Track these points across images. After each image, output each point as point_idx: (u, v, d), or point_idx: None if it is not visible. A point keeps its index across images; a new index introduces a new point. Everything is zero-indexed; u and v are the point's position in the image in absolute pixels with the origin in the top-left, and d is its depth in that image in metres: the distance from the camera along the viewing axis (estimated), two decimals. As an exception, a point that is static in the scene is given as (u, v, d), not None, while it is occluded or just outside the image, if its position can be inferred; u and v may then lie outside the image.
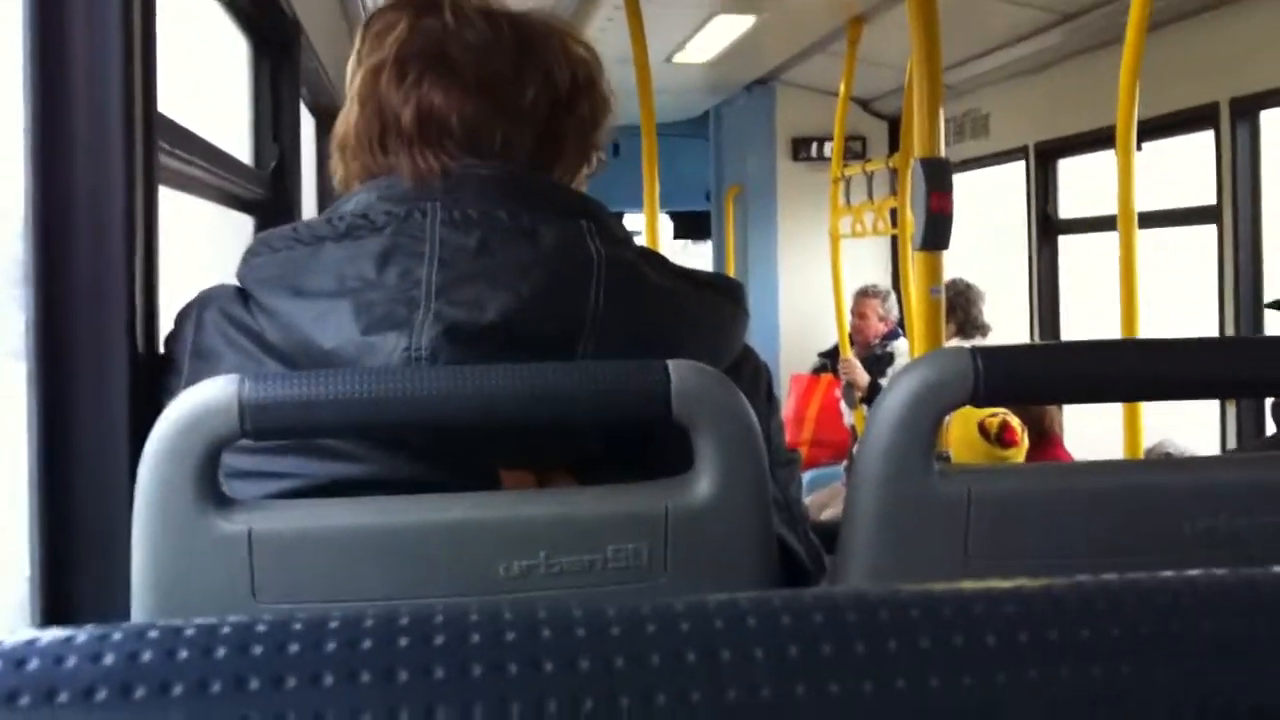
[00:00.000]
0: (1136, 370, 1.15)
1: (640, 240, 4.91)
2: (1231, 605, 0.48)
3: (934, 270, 3.18)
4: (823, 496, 4.66)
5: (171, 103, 1.62)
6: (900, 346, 5.86)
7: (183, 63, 2.05)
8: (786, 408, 6.21)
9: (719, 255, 8.61)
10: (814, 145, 7.61)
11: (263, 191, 2.57)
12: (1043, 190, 5.77)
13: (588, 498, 1.09)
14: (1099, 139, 4.65)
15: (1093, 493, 1.17)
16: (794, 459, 1.34)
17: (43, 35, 1.18)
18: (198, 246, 2.13)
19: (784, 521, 1.20)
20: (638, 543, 1.06)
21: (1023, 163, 5.91)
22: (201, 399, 1.00)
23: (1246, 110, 4.32)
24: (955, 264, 4.95)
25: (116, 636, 0.42)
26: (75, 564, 1.17)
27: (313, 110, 3.30)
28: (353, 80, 1.25)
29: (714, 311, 1.24)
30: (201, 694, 0.40)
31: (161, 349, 1.24)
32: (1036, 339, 5.71)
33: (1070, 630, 0.47)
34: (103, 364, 1.18)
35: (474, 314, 1.09)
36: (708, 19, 5.95)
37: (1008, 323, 5.71)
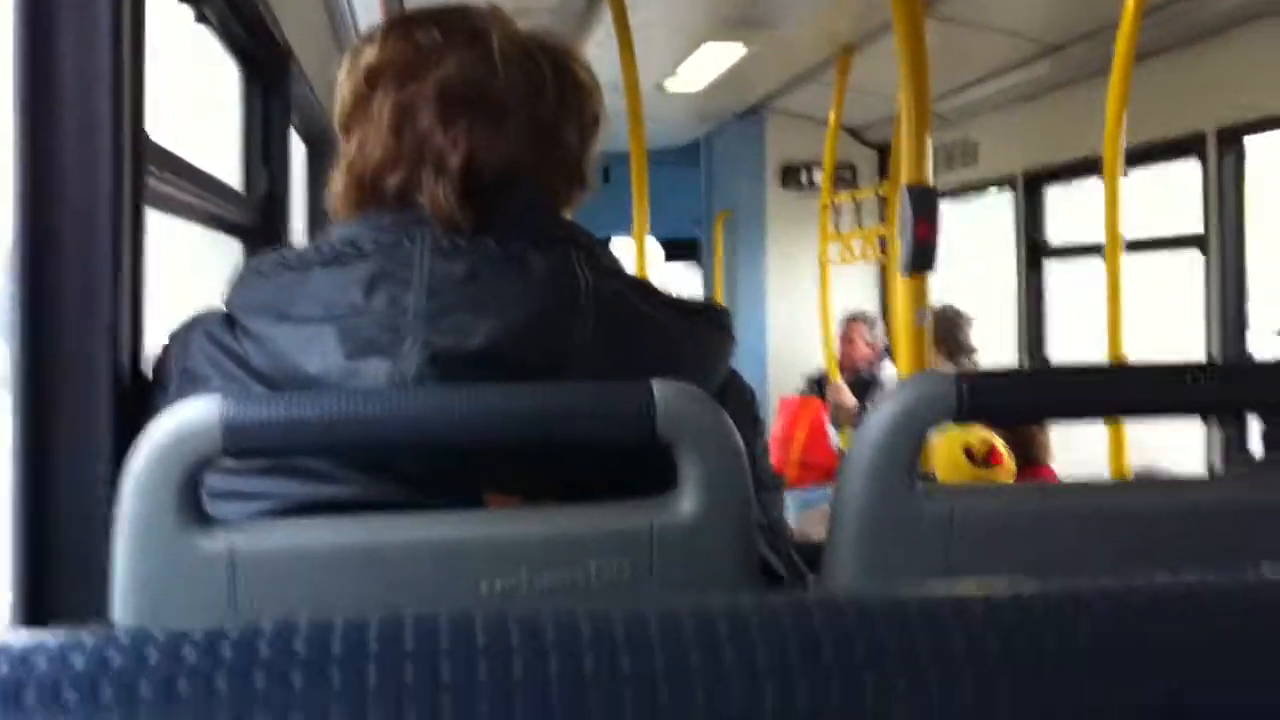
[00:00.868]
0: (1108, 391, 1.16)
1: (629, 265, 4.93)
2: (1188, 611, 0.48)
3: (919, 295, 3.21)
4: (812, 517, 4.65)
5: (164, 129, 1.63)
6: (888, 371, 5.87)
7: (175, 89, 2.06)
8: (774, 429, 6.21)
9: (708, 280, 8.64)
10: (804, 172, 7.64)
11: (252, 217, 2.58)
12: (1030, 217, 5.81)
13: (571, 515, 1.10)
14: (1086, 167, 4.68)
15: (1075, 513, 1.18)
16: (779, 483, 1.34)
17: (31, 58, 1.18)
18: (188, 271, 2.14)
19: (767, 544, 1.21)
20: (621, 560, 1.07)
21: (1010, 191, 5.94)
22: (184, 418, 1.01)
23: (1232, 139, 4.35)
24: (948, 290, 4.98)
25: (87, 640, 0.42)
26: (56, 583, 1.16)
27: (304, 137, 3.32)
28: (369, 99, 1.21)
29: (702, 339, 1.24)
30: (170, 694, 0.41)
31: (149, 372, 1.24)
32: (1023, 363, 5.73)
33: (1042, 636, 0.48)
34: (87, 386, 1.18)
35: (460, 341, 1.09)
36: (697, 45, 5.98)
37: (997, 348, 5.73)
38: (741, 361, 1.31)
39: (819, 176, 6.90)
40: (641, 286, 1.24)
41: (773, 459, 6.25)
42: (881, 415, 1.14)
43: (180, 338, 1.20)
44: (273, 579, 1.03)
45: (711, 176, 8.80)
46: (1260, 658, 0.48)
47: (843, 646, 0.46)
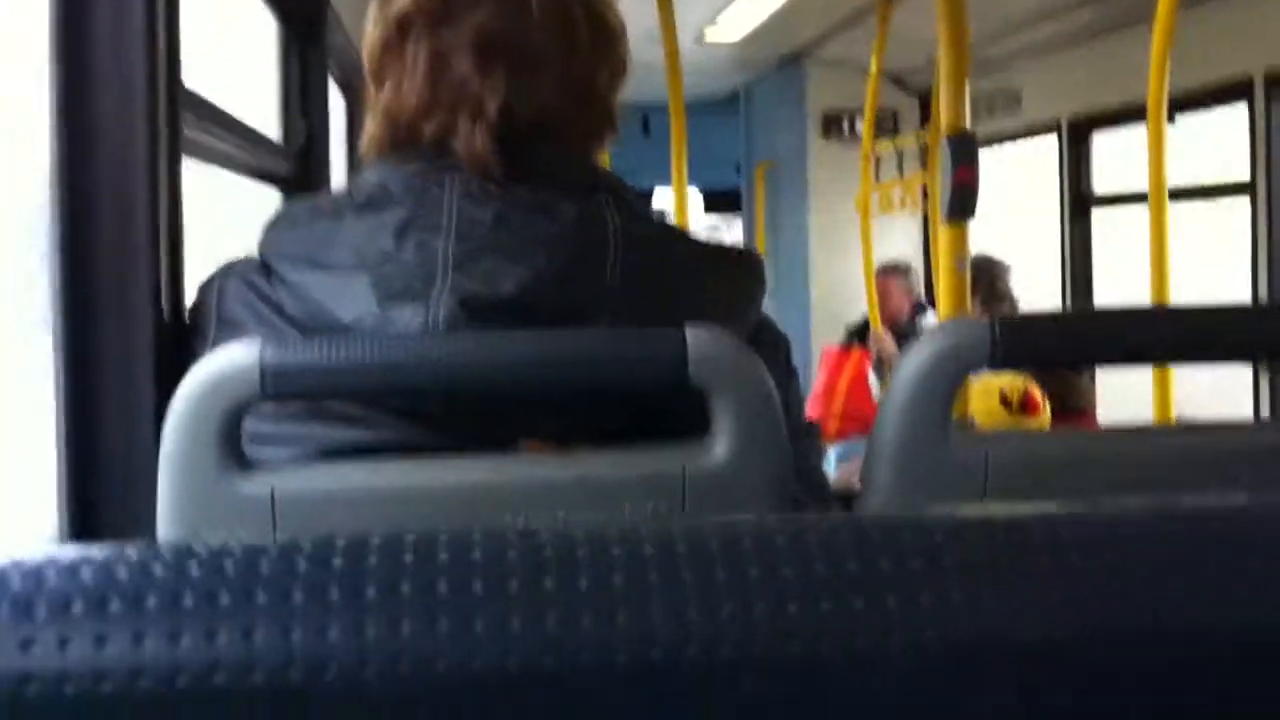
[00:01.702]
0: (1143, 333, 1.15)
1: (670, 216, 4.91)
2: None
3: (960, 243, 3.19)
4: (853, 466, 4.65)
5: (204, 81, 1.63)
6: (929, 321, 5.84)
7: (214, 40, 2.06)
8: (817, 381, 6.20)
9: (749, 231, 8.61)
10: (845, 121, 7.58)
11: (291, 167, 2.59)
12: (1075, 165, 5.74)
13: (605, 460, 1.10)
14: (1131, 113, 4.62)
15: (1112, 458, 1.17)
16: (815, 430, 1.34)
17: (67, 10, 1.19)
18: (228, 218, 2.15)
19: (805, 489, 1.21)
20: (655, 503, 1.07)
21: (1055, 137, 5.87)
22: (223, 362, 1.02)
23: (1281, 83, 4.28)
24: (990, 238, 4.93)
25: (130, 554, 0.44)
26: (101, 526, 1.19)
27: (341, 86, 3.32)
28: (401, 46, 1.20)
29: (731, 283, 1.24)
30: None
31: (186, 318, 1.26)
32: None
33: (1089, 555, 0.48)
34: (128, 334, 1.20)
35: (490, 287, 1.10)
36: (737, -6, 5.94)
37: (1041, 297, 5.68)
38: (785, 313, 1.32)
39: (861, 125, 6.83)
40: (671, 231, 1.24)
41: (816, 411, 6.25)
42: (916, 360, 1.14)
43: (216, 285, 1.21)
44: (312, 521, 1.04)
45: (752, 127, 8.74)
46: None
47: (868, 564, 0.46)
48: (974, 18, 3.45)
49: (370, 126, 1.24)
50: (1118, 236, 5.60)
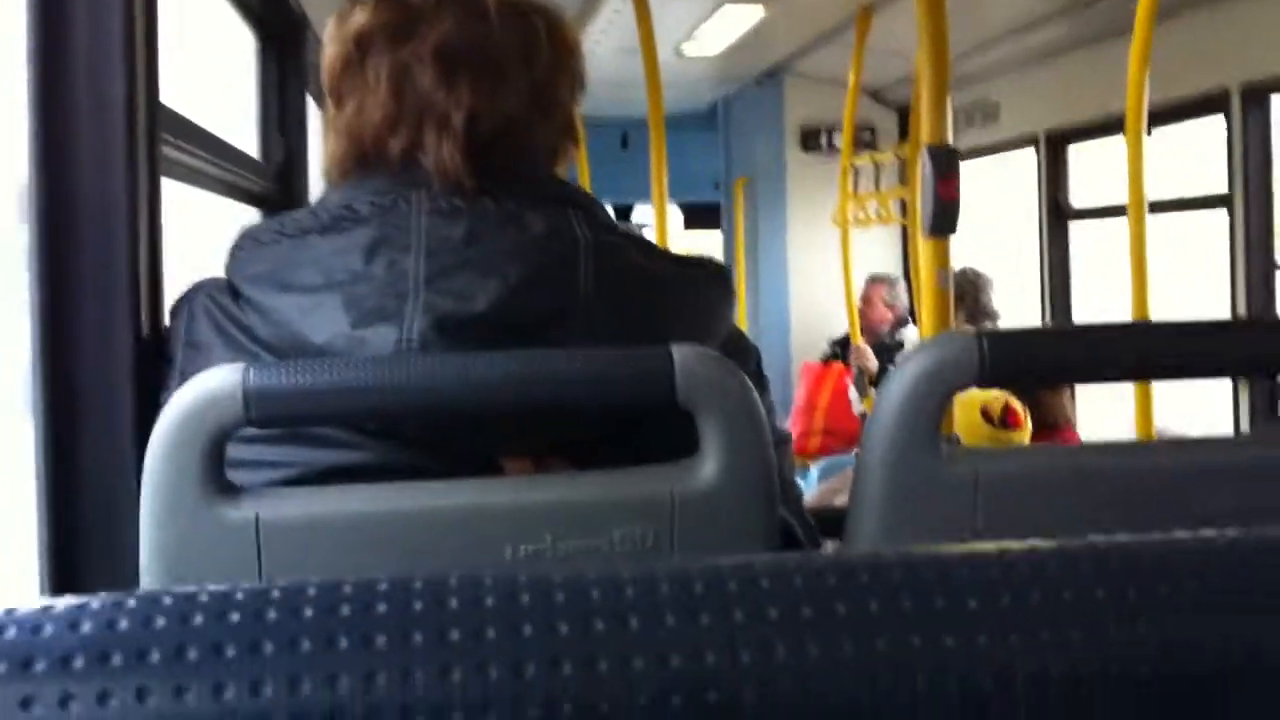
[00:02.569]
0: (1136, 350, 1.15)
1: (650, 232, 4.91)
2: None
3: (942, 257, 3.18)
4: (835, 482, 4.65)
5: (183, 98, 1.62)
6: (910, 334, 5.85)
7: (193, 57, 2.05)
8: (798, 396, 6.20)
9: (729, 246, 8.61)
10: (823, 135, 7.60)
11: (270, 185, 2.57)
12: (1053, 178, 5.76)
13: (593, 482, 1.09)
14: (1109, 126, 4.63)
15: (1102, 474, 1.17)
16: (786, 438, 1.34)
17: (45, 28, 1.18)
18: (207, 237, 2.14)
19: (780, 501, 1.20)
20: (644, 527, 1.06)
21: (1033, 150, 5.89)
22: (206, 387, 1.01)
23: (1257, 96, 4.30)
24: (970, 253, 4.95)
25: (130, 603, 0.42)
26: (82, 552, 1.17)
27: (319, 103, 3.31)
28: (361, 63, 1.19)
29: (701, 293, 1.25)
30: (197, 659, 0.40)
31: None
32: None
33: (1083, 590, 0.47)
34: (107, 353, 1.18)
35: (463, 304, 1.09)
36: (715, 9, 5.94)
37: (1020, 311, 5.70)
38: (765, 328, 1.31)
39: (839, 139, 6.85)
40: (639, 242, 1.24)
41: (797, 427, 6.22)
42: (903, 378, 1.13)
43: (184, 308, 1.19)
44: (298, 547, 1.03)
45: (730, 141, 8.75)
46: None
47: (856, 605, 0.45)
48: (951, 30, 3.45)
49: (332, 146, 1.23)
50: (1097, 247, 5.63)
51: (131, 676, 0.40)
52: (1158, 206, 3.86)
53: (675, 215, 8.88)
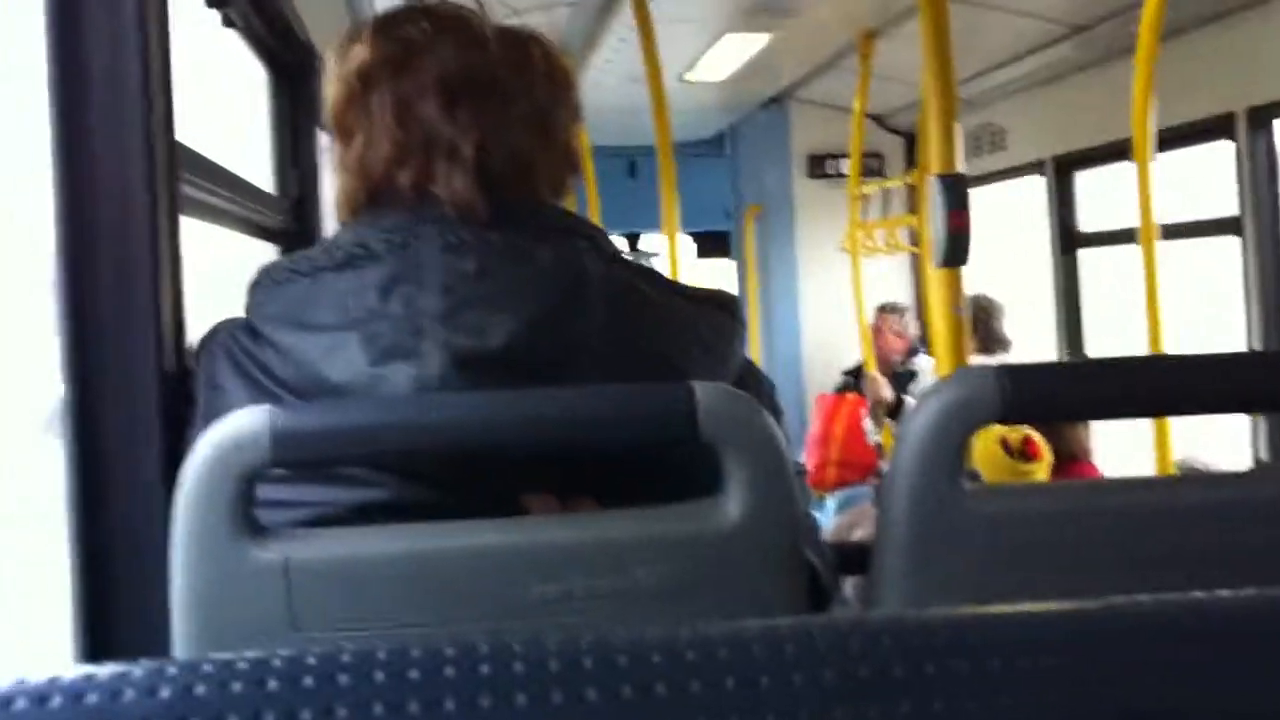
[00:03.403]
0: (1159, 385, 1.14)
1: (662, 262, 4.90)
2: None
3: (954, 287, 3.15)
4: (852, 516, 4.63)
5: (199, 135, 1.63)
6: (923, 363, 5.82)
7: (209, 95, 2.06)
8: (813, 428, 6.17)
9: (741, 274, 8.61)
10: (830, 162, 7.60)
11: (285, 220, 2.58)
12: (1063, 204, 5.75)
13: (617, 521, 1.09)
14: (1116, 151, 4.63)
15: (1124, 511, 1.17)
16: (800, 471, 1.34)
17: (62, 71, 1.19)
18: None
19: (810, 545, 1.20)
20: (669, 566, 1.06)
21: (1042, 177, 5.88)
22: (234, 430, 1.01)
23: (1263, 119, 4.30)
24: (980, 279, 4.93)
25: (171, 671, 0.42)
26: (114, 594, 1.17)
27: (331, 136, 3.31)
28: (365, 98, 1.20)
29: (712, 325, 1.25)
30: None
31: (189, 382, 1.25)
32: (1061, 354, 5.68)
33: (1108, 656, 0.47)
34: (132, 394, 1.19)
35: (479, 340, 1.09)
36: (718, 37, 5.96)
37: (1032, 338, 5.68)
38: (777, 359, 1.32)
39: (846, 166, 6.85)
40: (648, 274, 1.25)
41: (813, 459, 6.18)
42: (923, 416, 1.13)
43: (205, 346, 1.20)
44: (327, 587, 1.03)
45: (738, 168, 8.76)
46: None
47: (880, 670, 0.45)
48: (955, 54, 3.43)
49: (341, 183, 1.23)
50: (1109, 275, 5.61)
51: None
52: (1169, 231, 3.85)
53: (686, 244, 8.87)
